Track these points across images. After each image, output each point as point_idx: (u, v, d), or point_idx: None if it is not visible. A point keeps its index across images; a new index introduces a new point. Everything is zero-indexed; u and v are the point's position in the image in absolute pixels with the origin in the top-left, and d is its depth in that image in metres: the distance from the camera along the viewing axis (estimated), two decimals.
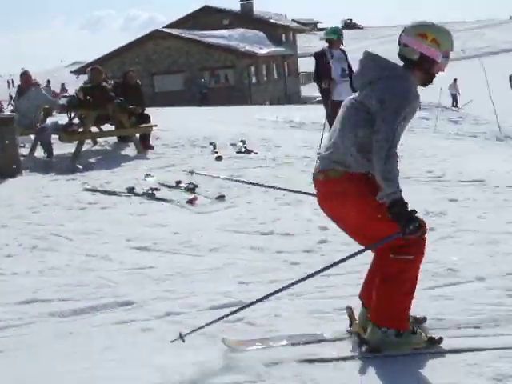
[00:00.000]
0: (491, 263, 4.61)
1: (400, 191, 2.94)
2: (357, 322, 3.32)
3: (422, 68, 3.14)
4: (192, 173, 8.42)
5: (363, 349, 3.17)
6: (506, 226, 5.74)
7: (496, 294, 3.97)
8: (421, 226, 2.95)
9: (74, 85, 19.55)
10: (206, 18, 43.05)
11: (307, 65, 35.01)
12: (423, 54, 3.10)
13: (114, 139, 11.11)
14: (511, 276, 4.29)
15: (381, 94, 3.02)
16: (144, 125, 10.67)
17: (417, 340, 3.20)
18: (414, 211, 2.97)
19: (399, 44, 3.20)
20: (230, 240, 5.48)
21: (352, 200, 3.07)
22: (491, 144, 14.23)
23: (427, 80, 3.20)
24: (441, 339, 3.23)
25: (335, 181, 3.12)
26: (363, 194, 3.05)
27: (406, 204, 2.96)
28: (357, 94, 3.22)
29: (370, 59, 3.23)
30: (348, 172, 3.09)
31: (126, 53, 37.37)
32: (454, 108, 30.09)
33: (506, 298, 3.91)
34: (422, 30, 3.13)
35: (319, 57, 8.87)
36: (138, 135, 10.62)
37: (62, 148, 10.21)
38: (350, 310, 3.36)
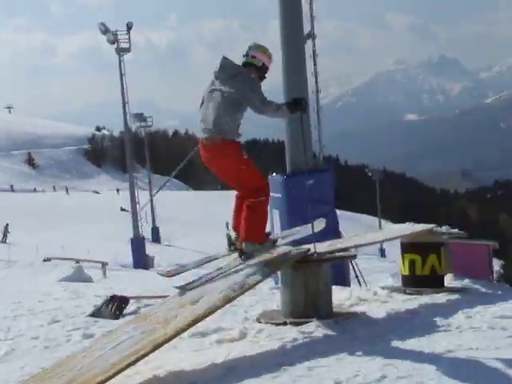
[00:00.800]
0: None
1: (280, 104, 5.57)
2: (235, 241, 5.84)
3: (261, 70, 5.66)
4: None
5: (242, 257, 5.67)
6: None
7: None
8: (303, 98, 5.78)
9: None
10: None
11: None
12: (263, 63, 5.68)
13: None
14: None
15: (245, 83, 5.45)
16: None
17: (270, 245, 5.83)
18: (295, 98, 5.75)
19: (247, 55, 5.65)
20: None
21: (230, 156, 5.50)
22: None
23: (262, 77, 5.66)
24: (276, 240, 6.14)
25: (218, 145, 5.48)
26: (235, 152, 5.54)
27: (289, 102, 5.72)
28: (219, 85, 5.54)
29: (228, 62, 5.60)
30: (224, 138, 5.47)
31: None
32: None
33: None
34: (262, 49, 5.71)
35: None
36: None
37: None
38: (228, 235, 6.09)
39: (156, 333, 4.40)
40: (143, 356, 4.14)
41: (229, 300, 4.87)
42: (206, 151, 5.58)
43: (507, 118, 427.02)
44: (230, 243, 5.91)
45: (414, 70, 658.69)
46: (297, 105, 5.63)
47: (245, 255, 5.65)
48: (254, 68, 5.61)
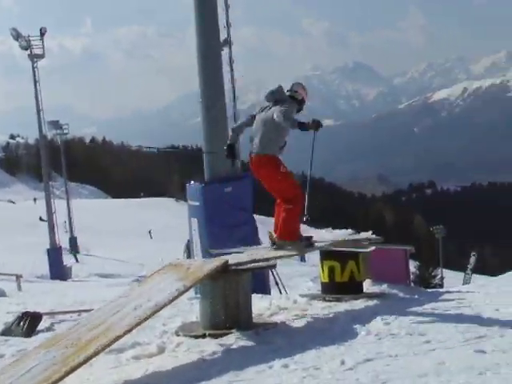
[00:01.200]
0: None
1: (298, 122, 6.57)
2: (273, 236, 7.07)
3: (300, 103, 7.17)
4: None
5: (274, 247, 7.02)
6: None
7: None
8: (318, 121, 6.59)
9: None
10: None
11: None
12: (302, 97, 7.23)
13: None
14: None
15: (284, 104, 6.76)
16: None
17: (301, 245, 7.09)
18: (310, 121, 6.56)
19: (291, 90, 7.18)
20: None
21: (268, 168, 6.94)
22: None
23: (300, 109, 7.14)
24: (311, 236, 7.27)
25: (260, 158, 6.96)
26: (273, 165, 6.93)
27: (306, 122, 6.56)
28: (269, 109, 6.95)
29: (280, 89, 7.12)
30: (265, 153, 6.92)
31: None
32: None
33: None
34: (302, 86, 7.35)
35: None
36: None
37: None
38: (270, 234, 7.11)
39: (68, 357, 4.18)
40: (55, 382, 3.90)
41: (144, 318, 4.69)
42: (253, 163, 7.07)
43: (420, 122, 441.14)
44: (273, 242, 7.07)
45: (330, 75, 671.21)
46: (310, 124, 6.55)
47: (276, 246, 7.01)
48: (295, 100, 7.06)
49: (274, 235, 7.10)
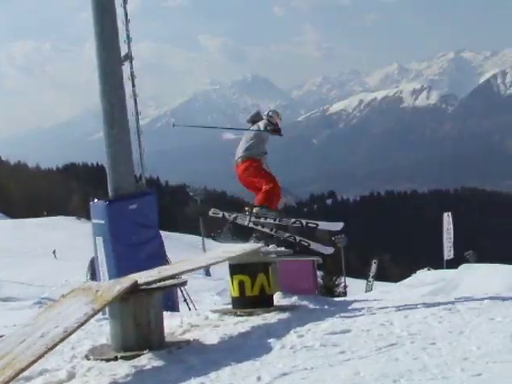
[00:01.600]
0: None
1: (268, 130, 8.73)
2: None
3: (274, 125, 8.86)
4: None
5: (253, 215, 8.36)
6: None
7: None
8: (280, 131, 8.94)
9: None
10: None
11: None
12: (276, 122, 8.96)
13: None
14: None
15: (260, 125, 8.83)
16: None
17: (275, 212, 8.40)
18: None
19: (267, 115, 9.02)
20: None
21: (251, 168, 8.52)
22: None
23: (276, 131, 8.88)
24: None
25: (245, 161, 8.54)
26: (257, 163, 8.57)
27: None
28: (249, 127, 8.87)
29: (258, 113, 9.30)
30: (249, 157, 8.53)
31: None
32: None
33: None
34: (277, 113, 9.14)
35: None
36: None
37: None
38: (249, 206, 8.64)
39: None
40: None
41: (52, 346, 4.49)
42: (238, 167, 8.62)
43: (318, 134, 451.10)
44: (250, 212, 8.44)
45: (229, 89, 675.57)
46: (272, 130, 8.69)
47: (255, 213, 8.34)
48: (269, 123, 8.77)
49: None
